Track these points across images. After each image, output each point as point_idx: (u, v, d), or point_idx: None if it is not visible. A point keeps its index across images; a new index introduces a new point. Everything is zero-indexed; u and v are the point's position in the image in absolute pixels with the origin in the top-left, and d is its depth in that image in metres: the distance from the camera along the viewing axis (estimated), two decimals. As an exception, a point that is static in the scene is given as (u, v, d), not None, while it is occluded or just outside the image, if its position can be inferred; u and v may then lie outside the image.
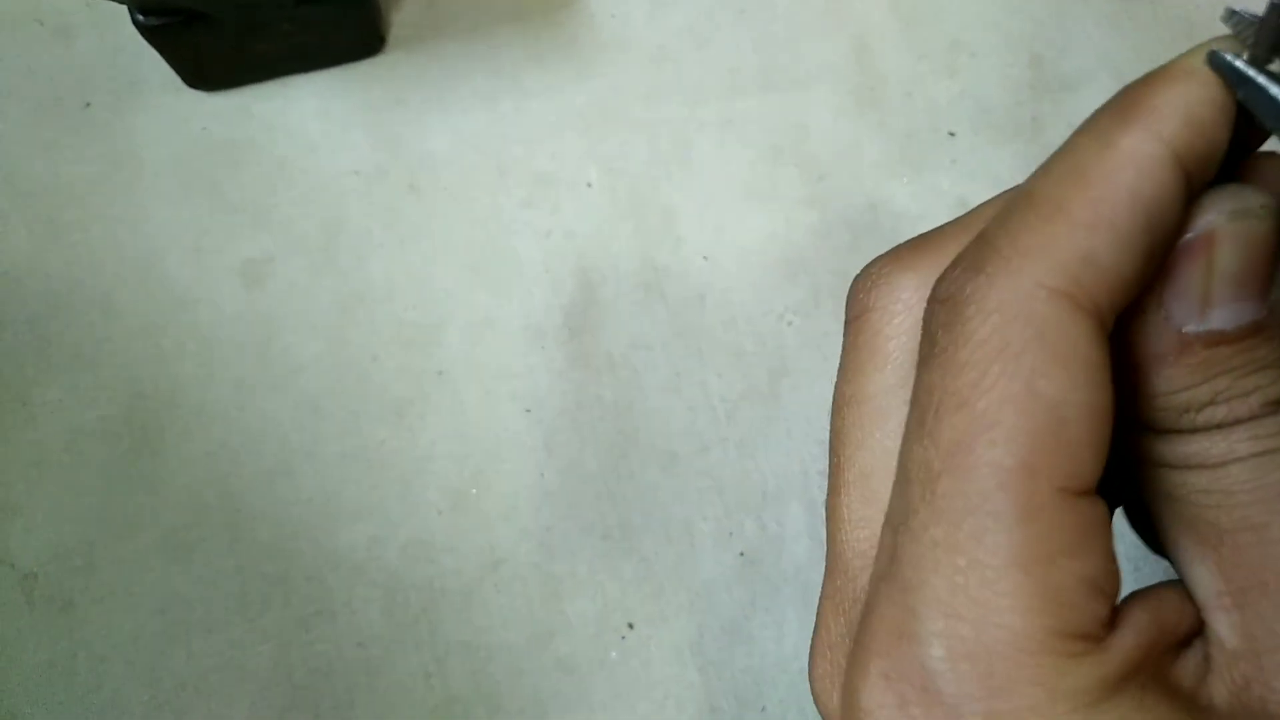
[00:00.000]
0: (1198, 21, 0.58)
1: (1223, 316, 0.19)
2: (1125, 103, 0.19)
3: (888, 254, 0.24)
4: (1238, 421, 0.19)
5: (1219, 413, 0.19)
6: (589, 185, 0.53)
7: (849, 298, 0.25)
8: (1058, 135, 0.55)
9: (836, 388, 0.24)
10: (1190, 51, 0.19)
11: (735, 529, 0.50)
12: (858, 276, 0.24)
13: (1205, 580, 0.19)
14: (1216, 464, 0.19)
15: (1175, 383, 0.19)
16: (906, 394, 0.21)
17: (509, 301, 0.51)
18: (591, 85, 0.55)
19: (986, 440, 0.17)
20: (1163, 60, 0.58)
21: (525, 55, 0.55)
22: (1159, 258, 0.19)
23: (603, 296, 0.52)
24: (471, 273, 0.52)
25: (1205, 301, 0.19)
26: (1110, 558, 0.18)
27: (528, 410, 0.50)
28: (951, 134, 0.55)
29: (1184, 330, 0.19)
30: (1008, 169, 0.54)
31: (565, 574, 0.48)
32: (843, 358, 0.24)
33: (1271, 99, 0.18)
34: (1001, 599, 0.17)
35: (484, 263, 0.52)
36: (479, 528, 0.49)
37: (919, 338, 0.20)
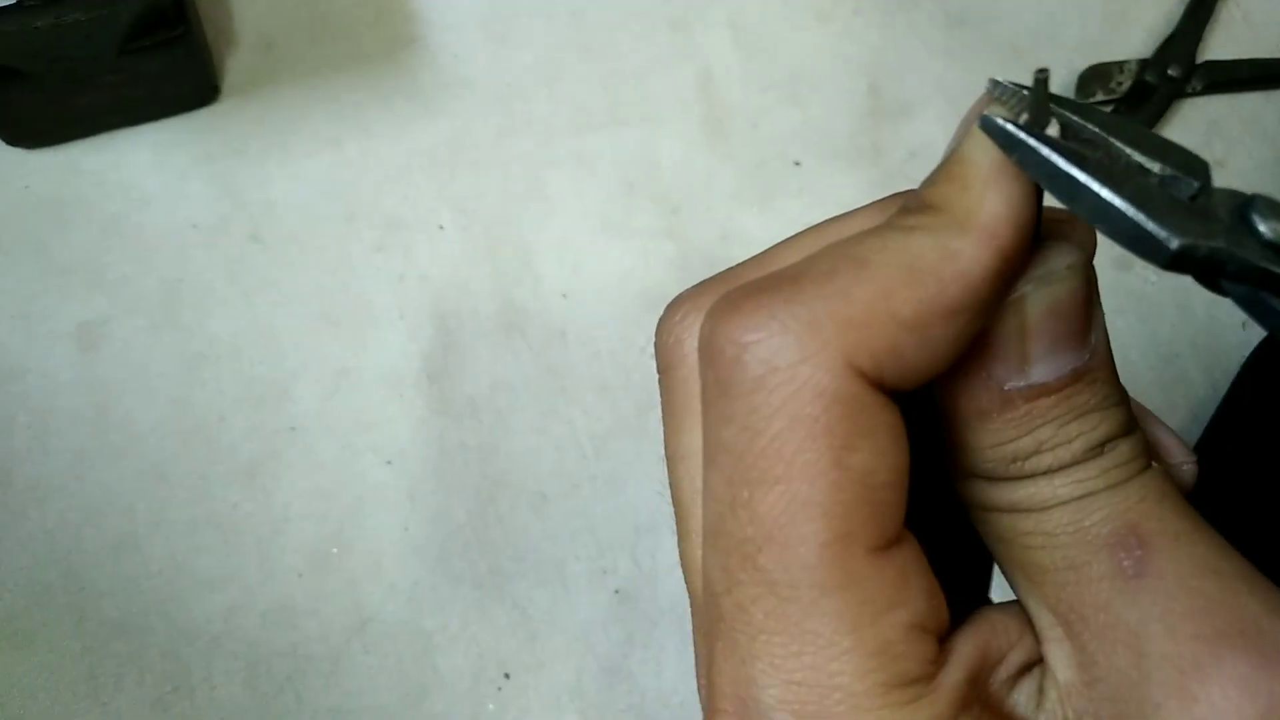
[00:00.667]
0: (1022, 46, 0.61)
1: (1042, 371, 0.19)
2: (958, 205, 0.19)
3: (688, 295, 0.23)
4: (1061, 468, 0.20)
5: (1043, 461, 0.19)
6: (441, 227, 0.52)
7: (656, 345, 0.24)
8: (898, 160, 0.57)
9: (665, 442, 0.24)
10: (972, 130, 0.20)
11: (609, 566, 0.49)
12: (661, 321, 0.24)
13: (1038, 615, 0.20)
14: (1040, 508, 0.20)
15: (1001, 436, 0.20)
16: None
17: (363, 350, 0.50)
18: (439, 125, 0.54)
19: (804, 516, 0.18)
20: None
21: (368, 97, 0.54)
22: (971, 337, 0.20)
23: (461, 340, 0.51)
24: (323, 323, 0.50)
25: (1023, 360, 0.19)
26: (931, 592, 0.19)
27: (389, 462, 0.49)
28: (797, 163, 0.57)
29: (1006, 388, 0.19)
30: (852, 195, 0.56)
31: (436, 628, 0.47)
32: (663, 411, 0.24)
33: (1041, 159, 0.18)
34: (834, 663, 0.17)
35: (335, 311, 0.51)
36: (343, 588, 0.47)
37: None
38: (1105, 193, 0.18)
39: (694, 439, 0.22)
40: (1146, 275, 0.58)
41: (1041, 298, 0.19)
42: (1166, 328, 0.57)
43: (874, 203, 0.23)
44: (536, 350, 0.52)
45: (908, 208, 0.20)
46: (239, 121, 0.53)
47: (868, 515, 0.18)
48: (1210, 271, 0.18)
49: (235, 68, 0.54)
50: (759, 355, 0.18)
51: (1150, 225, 0.18)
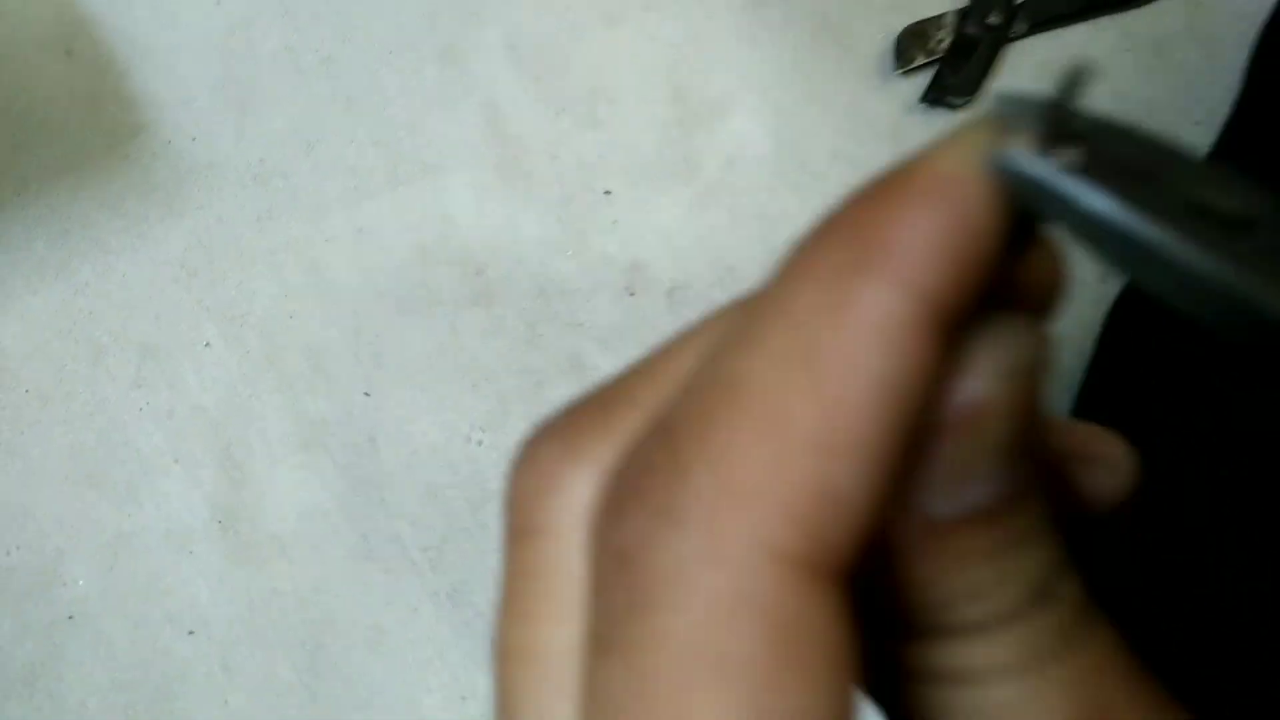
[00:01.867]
0: (832, 17, 0.56)
1: (981, 491, 0.15)
2: (861, 234, 0.14)
3: (552, 431, 0.18)
4: (1001, 621, 0.15)
5: (977, 610, 0.15)
6: (208, 345, 0.46)
7: (508, 498, 0.18)
8: (716, 170, 0.51)
9: (499, 628, 0.18)
10: (950, 145, 0.14)
11: (468, 691, 0.44)
12: (517, 466, 0.18)
13: None
14: (981, 681, 0.15)
15: (927, 576, 0.15)
16: None
17: (139, 508, 0.44)
18: (186, 224, 0.47)
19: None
20: (808, 68, 0.55)
21: (97, 207, 0.46)
22: (909, 440, 0.14)
23: (253, 472, 0.44)
24: (86, 485, 0.44)
25: (963, 479, 0.15)
26: None
27: (191, 632, 0.43)
28: (608, 192, 0.51)
29: (934, 515, 0.15)
30: (674, 218, 0.50)
31: (277, 816, 0.41)
32: (506, 585, 0.18)
33: (1084, 212, 0.13)
34: None
35: (99, 470, 0.44)
36: (159, 794, 0.41)
37: None
38: (1195, 254, 0.13)
39: (544, 635, 0.16)
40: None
41: (1007, 397, 0.15)
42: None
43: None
44: (343, 464, 0.46)
45: (805, 240, 0.15)
46: (-60, 264, 0.45)
47: None
48: None
49: (-74, 198, 0.46)
50: (644, 567, 0.13)
51: (1259, 293, 0.13)
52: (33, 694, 0.41)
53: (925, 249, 0.13)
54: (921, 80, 0.56)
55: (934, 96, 0.56)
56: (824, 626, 0.13)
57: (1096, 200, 0.13)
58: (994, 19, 0.56)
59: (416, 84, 0.51)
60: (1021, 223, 0.14)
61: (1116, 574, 0.44)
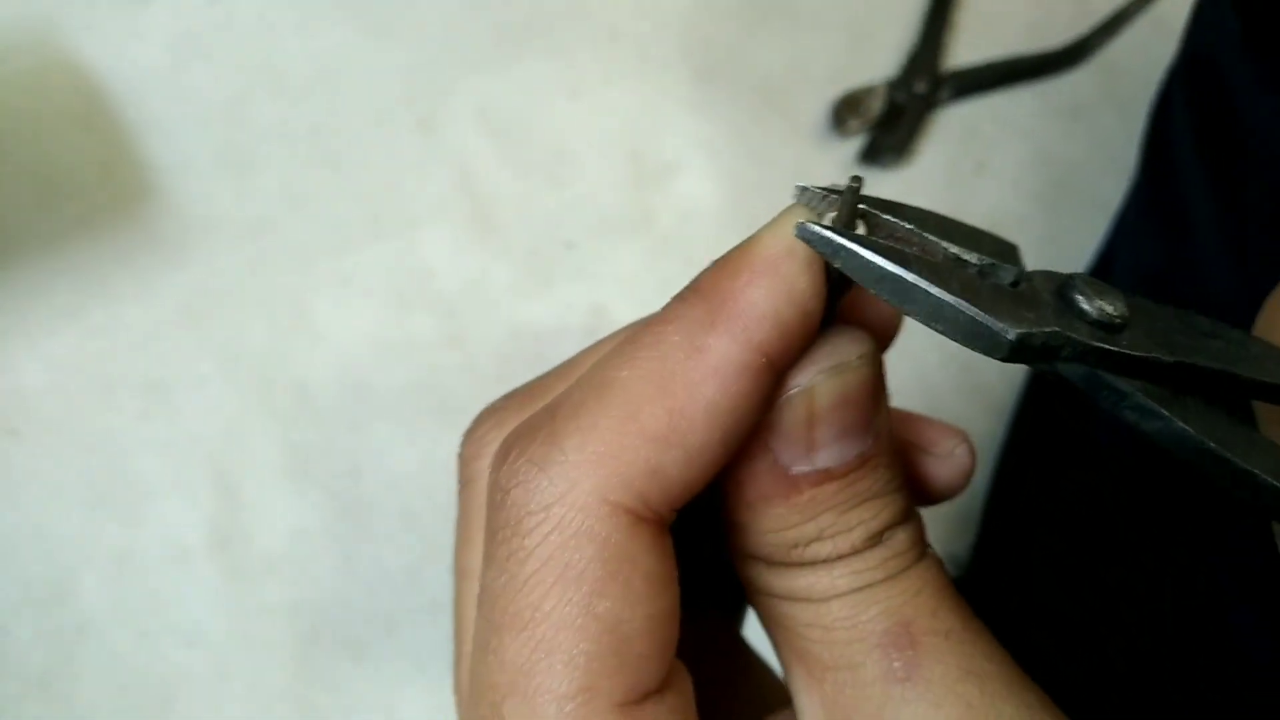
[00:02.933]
0: (774, 88, 0.62)
1: (828, 457, 0.19)
2: (715, 297, 0.19)
3: (491, 409, 0.24)
4: (840, 557, 0.20)
5: (824, 549, 0.20)
6: (206, 381, 0.51)
7: (459, 457, 0.24)
8: (670, 224, 0.57)
9: (454, 554, 0.24)
10: (771, 227, 0.20)
11: (444, 702, 0.48)
12: (467, 434, 0.24)
13: (810, 712, 0.20)
14: (819, 599, 0.20)
15: (783, 522, 0.20)
16: None
17: (142, 529, 0.48)
18: (188, 274, 0.52)
19: (546, 666, 0.17)
20: (753, 133, 0.60)
21: (109, 259, 0.52)
22: (741, 441, 0.19)
23: (246, 497, 0.49)
24: (96, 508, 0.48)
25: (810, 446, 0.20)
26: None
27: (190, 643, 0.47)
28: (571, 244, 0.57)
29: (791, 472, 0.19)
30: (631, 267, 0.56)
31: (266, 808, 0.45)
32: (457, 523, 0.24)
33: (866, 262, 0.18)
34: None
35: (107, 494, 0.48)
36: (159, 788, 0.45)
37: None
38: (935, 291, 0.18)
39: (474, 556, 0.22)
40: (928, 292, 0.59)
41: (833, 388, 0.20)
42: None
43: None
44: (330, 491, 0.50)
45: (677, 295, 0.20)
46: (-32, 311, 0.50)
47: (616, 668, 0.18)
48: (1047, 356, 0.19)
49: (-45, 253, 0.51)
50: (517, 499, 0.18)
51: (985, 319, 0.18)
52: (48, 697, 0.46)
53: (760, 311, 0.19)
54: (858, 142, 0.62)
55: (869, 156, 0.62)
56: (642, 556, 0.18)
57: (869, 256, 0.19)
58: (921, 88, 0.63)
59: (396, 149, 0.57)
60: (838, 276, 0.20)
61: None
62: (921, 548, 0.21)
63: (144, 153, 0.54)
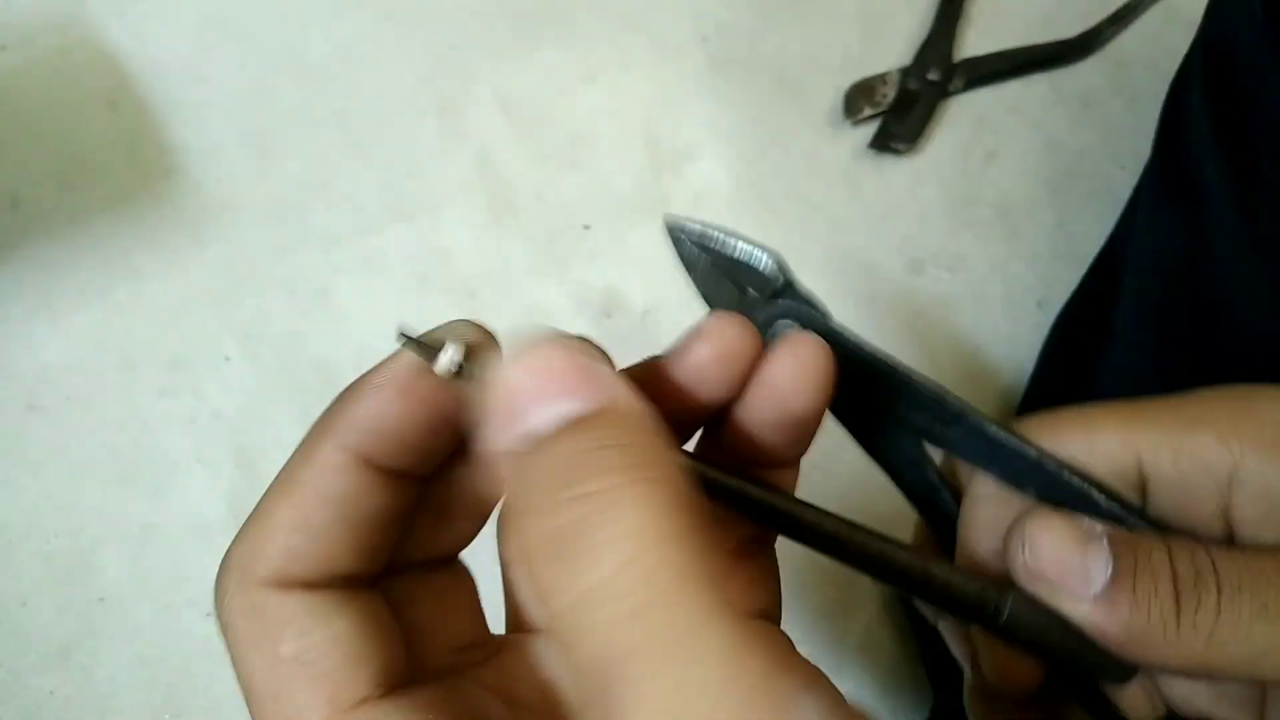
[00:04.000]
0: (789, 75, 0.62)
1: (537, 419, 0.20)
2: (330, 416, 0.23)
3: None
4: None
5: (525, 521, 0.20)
6: (228, 359, 0.51)
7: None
8: (685, 206, 0.58)
9: None
10: (382, 363, 0.24)
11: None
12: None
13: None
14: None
15: (511, 483, 0.21)
16: None
17: (166, 503, 0.48)
18: (211, 253, 0.53)
19: (270, 713, 0.22)
20: (767, 119, 0.61)
21: (132, 238, 0.52)
22: (367, 525, 0.23)
23: (266, 472, 0.49)
24: (118, 483, 0.49)
25: (512, 416, 0.20)
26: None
27: (209, 615, 0.47)
28: (588, 227, 0.57)
29: (496, 449, 0.20)
30: (646, 251, 0.56)
31: (285, 778, 0.45)
32: None
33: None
34: None
35: (130, 468, 0.49)
36: (180, 756, 0.45)
37: None
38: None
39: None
40: (940, 275, 0.60)
41: (516, 368, 0.20)
42: (967, 323, 0.59)
43: None
44: (350, 466, 0.50)
45: None
46: (-5, 288, 0.50)
47: (314, 689, 0.21)
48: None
49: (-18, 231, 0.51)
50: (223, 616, 0.23)
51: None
52: (68, 667, 0.46)
53: (357, 422, 0.23)
54: (869, 129, 0.62)
55: (880, 143, 0.62)
56: (299, 605, 0.22)
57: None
58: (933, 75, 0.63)
59: (417, 134, 0.58)
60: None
61: None
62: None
63: (170, 134, 0.54)
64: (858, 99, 0.62)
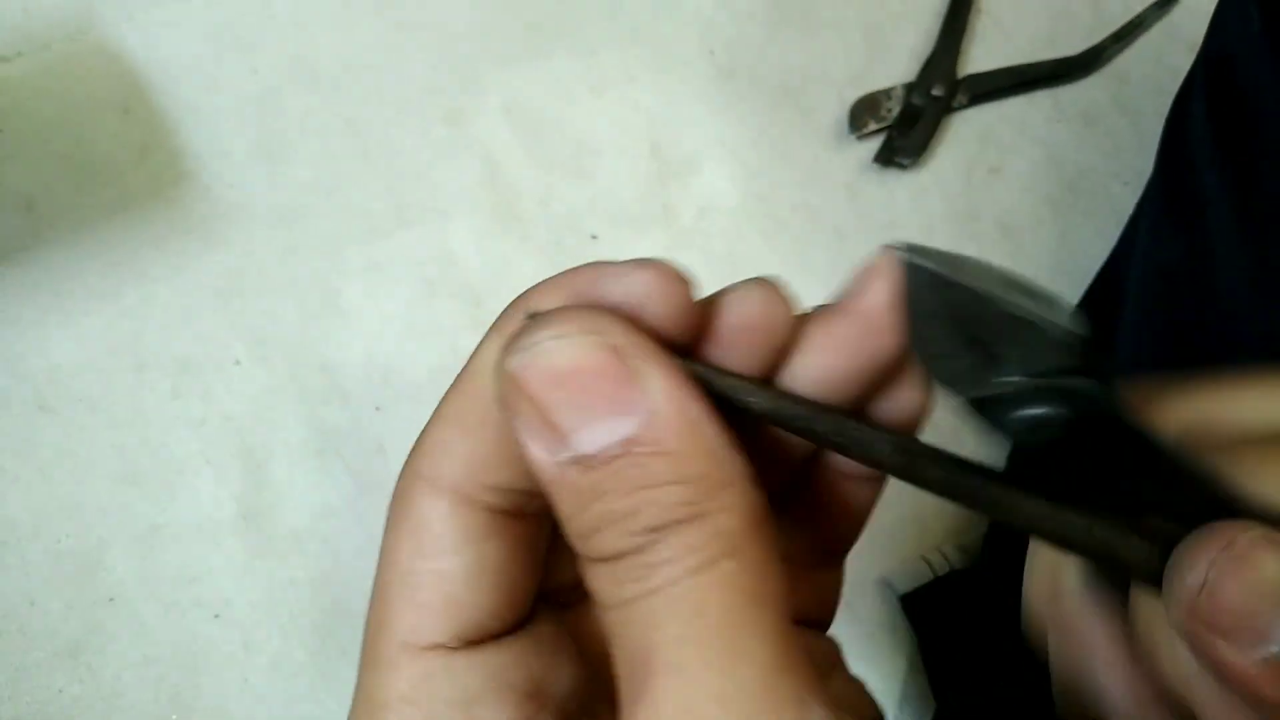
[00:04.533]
0: (793, 87, 0.63)
1: (584, 441, 0.18)
2: (499, 320, 0.21)
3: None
4: (621, 555, 0.18)
5: (605, 541, 0.18)
6: (237, 362, 0.52)
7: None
8: (690, 217, 0.58)
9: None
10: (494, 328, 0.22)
11: (463, 676, 0.49)
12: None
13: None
14: (606, 606, 0.18)
15: (565, 507, 0.18)
16: None
17: (173, 504, 0.49)
18: (220, 257, 0.53)
19: (383, 622, 0.20)
20: (773, 132, 0.61)
21: (142, 241, 0.53)
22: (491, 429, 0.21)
23: (274, 475, 0.50)
24: (127, 482, 0.49)
25: (556, 431, 0.18)
26: (504, 692, 0.20)
27: (216, 615, 0.48)
28: (594, 236, 0.57)
29: (556, 461, 0.18)
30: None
31: (289, 778, 0.46)
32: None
33: None
34: None
35: (138, 469, 0.49)
36: (185, 756, 0.45)
37: None
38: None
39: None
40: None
41: (531, 366, 0.18)
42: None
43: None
44: (355, 470, 0.51)
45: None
46: (7, 290, 0.51)
47: (402, 609, 0.20)
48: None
49: (-5, 233, 0.52)
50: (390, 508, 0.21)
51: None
52: (75, 666, 0.46)
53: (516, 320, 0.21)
54: (874, 143, 0.63)
55: (885, 157, 0.63)
56: (436, 521, 0.20)
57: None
58: (938, 91, 0.64)
59: (424, 141, 0.58)
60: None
61: None
62: (712, 552, 0.18)
63: (180, 139, 0.55)
64: (863, 113, 0.63)
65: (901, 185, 0.63)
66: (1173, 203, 0.52)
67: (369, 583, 0.51)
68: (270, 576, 0.49)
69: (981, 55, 0.67)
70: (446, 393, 0.22)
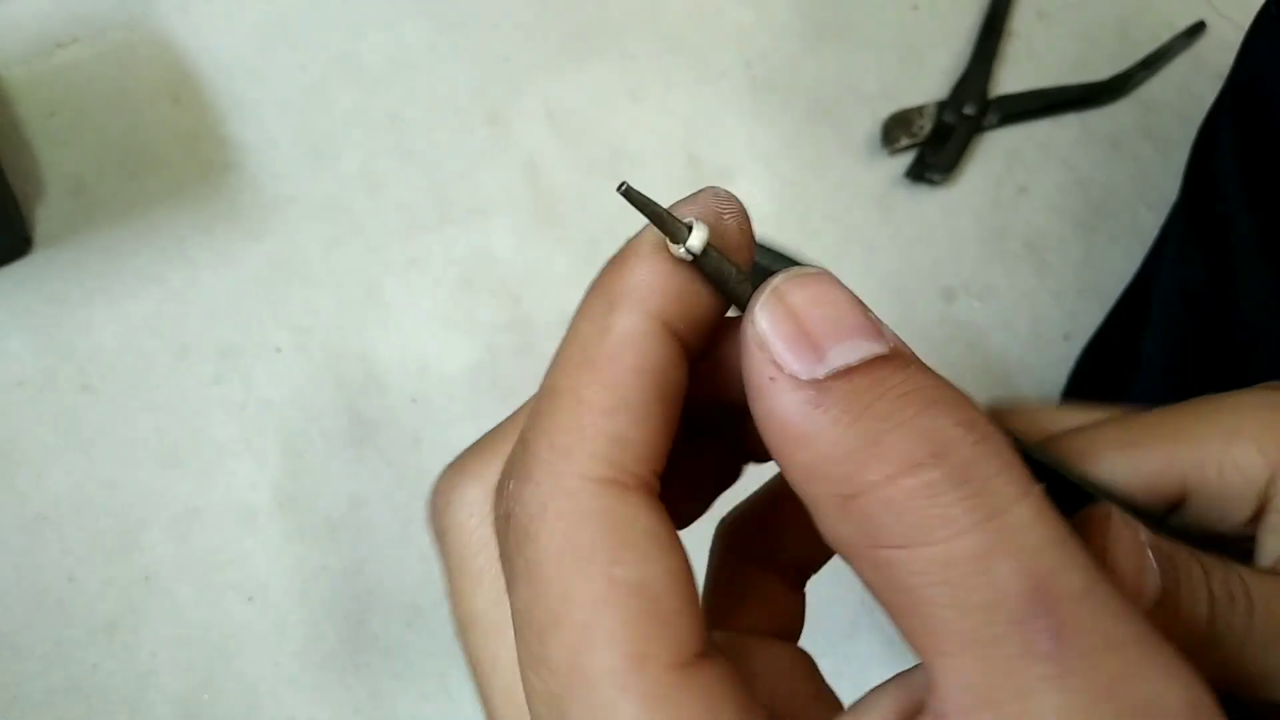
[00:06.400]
0: (826, 102, 0.64)
1: (840, 354, 0.18)
2: (610, 285, 0.20)
3: (453, 464, 0.23)
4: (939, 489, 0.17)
5: (880, 455, 0.17)
6: (278, 349, 0.53)
7: (430, 514, 0.24)
8: (725, 224, 0.59)
9: (452, 610, 0.24)
10: (638, 235, 0.21)
11: (491, 668, 0.50)
12: (433, 488, 0.24)
13: (953, 697, 0.17)
14: (942, 551, 0.17)
15: (823, 442, 0.17)
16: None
17: (211, 487, 0.50)
18: (264, 246, 0.54)
19: (589, 649, 0.17)
20: (806, 144, 0.62)
21: (189, 228, 0.54)
22: (675, 411, 0.20)
23: (311, 461, 0.51)
24: (166, 464, 0.50)
25: (815, 348, 0.18)
26: (746, 710, 0.18)
27: (250, 598, 0.48)
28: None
29: (808, 379, 0.17)
30: (686, 264, 0.58)
31: (319, 761, 0.46)
32: (445, 579, 0.24)
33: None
34: None
35: (178, 451, 0.50)
36: (217, 735, 0.46)
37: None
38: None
39: (473, 602, 0.22)
40: (970, 304, 0.61)
41: (795, 287, 0.18)
42: (994, 351, 0.61)
43: None
44: (390, 460, 0.52)
45: (583, 299, 0.21)
46: (56, 270, 0.52)
47: (654, 629, 0.17)
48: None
49: (46, 215, 0.53)
50: (518, 515, 0.19)
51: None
52: (111, 643, 0.47)
53: (648, 287, 0.20)
54: (905, 159, 0.64)
55: (916, 173, 0.64)
56: (641, 517, 0.19)
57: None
58: (969, 110, 0.65)
59: (467, 141, 0.60)
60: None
61: None
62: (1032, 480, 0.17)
63: (228, 130, 0.56)
64: (895, 129, 0.64)
65: (932, 201, 0.64)
66: (1197, 227, 0.53)
67: (402, 572, 0.52)
68: (304, 562, 0.50)
69: (1012, 77, 0.69)
70: (571, 375, 0.19)
